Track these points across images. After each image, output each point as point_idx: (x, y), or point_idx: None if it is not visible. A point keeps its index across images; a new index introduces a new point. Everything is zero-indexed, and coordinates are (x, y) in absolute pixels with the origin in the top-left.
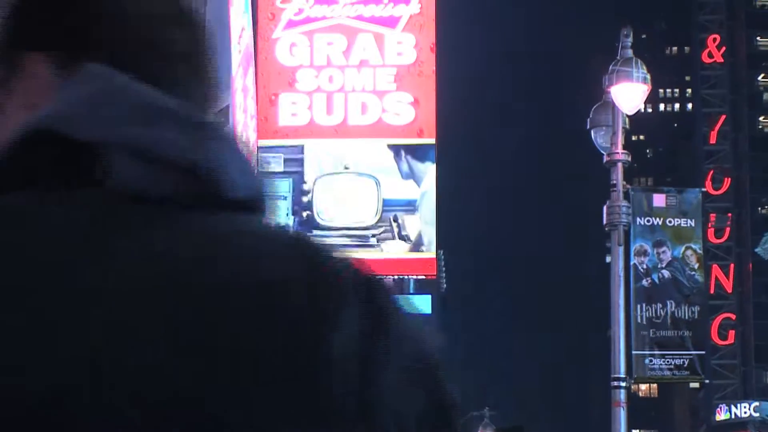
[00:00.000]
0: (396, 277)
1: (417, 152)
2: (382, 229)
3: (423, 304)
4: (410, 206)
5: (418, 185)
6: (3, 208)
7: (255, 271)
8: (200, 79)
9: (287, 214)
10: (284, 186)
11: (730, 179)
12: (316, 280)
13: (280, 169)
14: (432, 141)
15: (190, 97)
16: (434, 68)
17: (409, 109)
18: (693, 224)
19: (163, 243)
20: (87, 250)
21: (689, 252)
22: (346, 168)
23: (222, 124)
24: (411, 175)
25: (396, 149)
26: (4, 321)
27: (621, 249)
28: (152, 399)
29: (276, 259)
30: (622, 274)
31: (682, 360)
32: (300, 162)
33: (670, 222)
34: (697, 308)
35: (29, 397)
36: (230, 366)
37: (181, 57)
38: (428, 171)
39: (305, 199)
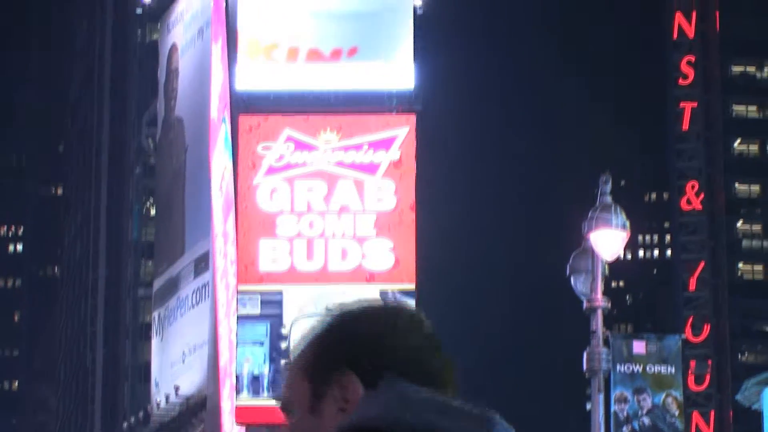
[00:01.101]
0: None
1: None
2: None
3: None
4: None
5: None
6: None
7: None
8: (442, 378)
9: (264, 361)
10: (260, 330)
11: (709, 326)
12: None
13: (257, 312)
14: (412, 286)
15: (443, 391)
16: (414, 219)
17: (389, 256)
18: (673, 371)
19: None
20: None
21: (670, 399)
22: (328, 309)
23: (489, 409)
24: None
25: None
26: None
27: (601, 396)
28: None
29: None
30: (602, 421)
31: None
32: (279, 304)
33: (650, 369)
34: None
35: None
36: None
37: (433, 366)
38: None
39: (283, 345)
